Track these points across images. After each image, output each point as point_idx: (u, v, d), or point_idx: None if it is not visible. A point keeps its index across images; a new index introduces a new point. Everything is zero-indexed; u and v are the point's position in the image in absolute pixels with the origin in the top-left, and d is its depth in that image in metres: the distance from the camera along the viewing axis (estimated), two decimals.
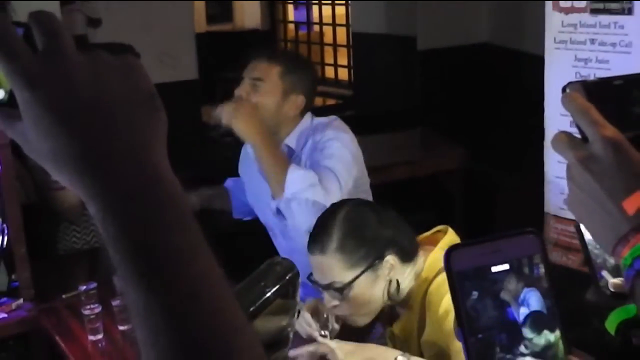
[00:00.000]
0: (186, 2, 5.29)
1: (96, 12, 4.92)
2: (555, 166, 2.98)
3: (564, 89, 0.80)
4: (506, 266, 0.78)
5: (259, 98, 2.73)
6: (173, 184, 0.66)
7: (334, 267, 2.07)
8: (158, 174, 0.65)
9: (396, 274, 2.09)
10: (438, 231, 2.22)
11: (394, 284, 2.08)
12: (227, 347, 0.61)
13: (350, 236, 2.07)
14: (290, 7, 9.09)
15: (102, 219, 0.63)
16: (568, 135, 0.79)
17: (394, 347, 2.18)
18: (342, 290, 2.07)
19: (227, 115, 2.65)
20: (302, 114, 2.82)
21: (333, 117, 2.89)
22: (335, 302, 2.10)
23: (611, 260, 1.45)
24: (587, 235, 1.45)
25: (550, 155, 3.01)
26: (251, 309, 1.80)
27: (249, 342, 0.63)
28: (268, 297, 1.85)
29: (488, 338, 0.76)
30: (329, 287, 2.09)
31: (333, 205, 2.22)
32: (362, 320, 2.16)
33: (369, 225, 2.10)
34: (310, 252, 2.11)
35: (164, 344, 0.60)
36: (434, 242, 2.16)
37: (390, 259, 2.07)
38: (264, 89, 2.74)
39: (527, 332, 0.78)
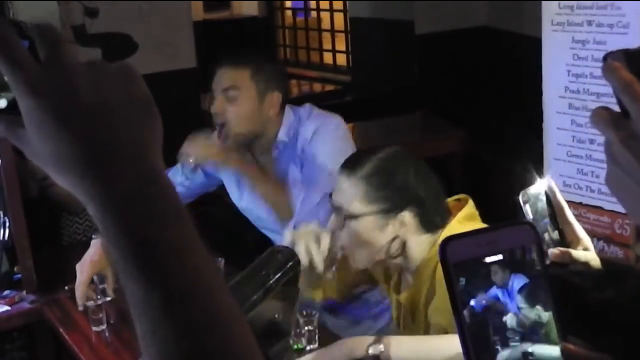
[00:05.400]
0: None
1: (93, 2, 4.92)
2: (554, 148, 2.98)
3: (604, 58, 0.73)
4: (501, 257, 0.78)
5: (237, 108, 2.66)
6: (169, 183, 0.70)
7: (352, 194, 2.05)
8: (155, 174, 0.69)
9: (407, 235, 2.05)
10: (458, 199, 2.17)
11: (396, 244, 2.05)
12: (224, 337, 0.65)
13: (380, 173, 2.05)
14: None
15: (102, 219, 0.67)
16: (609, 111, 0.73)
17: (399, 315, 2.16)
18: (348, 218, 2.05)
19: (199, 152, 2.68)
20: (282, 109, 2.77)
21: (307, 105, 2.86)
22: (338, 229, 2.08)
23: (553, 235, 1.47)
24: (526, 209, 1.46)
25: (550, 137, 3.01)
26: (253, 297, 1.81)
27: (243, 332, 0.67)
28: (270, 285, 1.85)
29: (484, 327, 0.77)
30: (339, 209, 2.08)
31: (376, 146, 2.19)
32: (360, 262, 2.12)
33: (403, 174, 2.06)
34: (339, 172, 2.11)
35: (163, 335, 0.64)
36: (454, 211, 2.12)
37: (407, 216, 2.03)
38: (239, 97, 2.66)
39: (520, 314, 0.78)
